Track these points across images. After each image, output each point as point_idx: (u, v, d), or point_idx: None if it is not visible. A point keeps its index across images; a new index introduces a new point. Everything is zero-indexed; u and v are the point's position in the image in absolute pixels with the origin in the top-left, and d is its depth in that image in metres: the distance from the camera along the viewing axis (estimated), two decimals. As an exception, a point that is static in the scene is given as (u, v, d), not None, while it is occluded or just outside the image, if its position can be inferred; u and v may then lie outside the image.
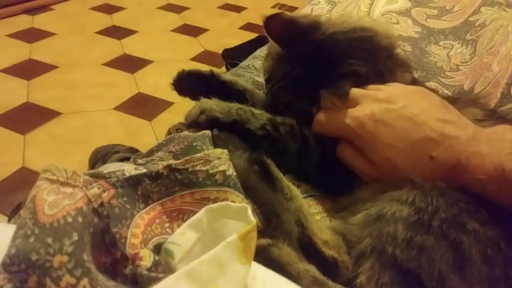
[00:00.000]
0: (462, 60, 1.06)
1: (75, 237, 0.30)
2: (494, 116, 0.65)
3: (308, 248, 0.54)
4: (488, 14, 1.16)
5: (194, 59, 2.20)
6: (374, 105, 0.58)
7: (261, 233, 0.43)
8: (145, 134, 1.62)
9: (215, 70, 0.76)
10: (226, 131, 0.62)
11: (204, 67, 2.17)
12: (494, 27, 1.12)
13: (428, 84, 0.94)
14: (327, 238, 0.56)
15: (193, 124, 0.64)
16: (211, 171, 0.43)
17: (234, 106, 0.65)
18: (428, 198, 0.51)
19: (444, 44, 1.06)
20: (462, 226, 0.48)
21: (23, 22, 2.30)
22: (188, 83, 0.71)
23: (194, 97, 0.69)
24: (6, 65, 1.90)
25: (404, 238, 0.48)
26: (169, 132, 0.73)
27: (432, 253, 0.47)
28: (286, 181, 0.59)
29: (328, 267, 0.52)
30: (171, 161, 0.44)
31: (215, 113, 0.63)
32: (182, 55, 2.23)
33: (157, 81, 1.96)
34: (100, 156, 1.36)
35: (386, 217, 0.50)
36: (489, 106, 0.74)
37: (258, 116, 0.64)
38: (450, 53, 1.06)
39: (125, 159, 1.28)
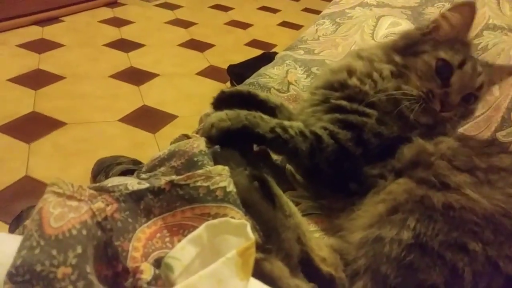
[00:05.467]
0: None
1: (79, 249, 0.31)
2: None
3: (306, 264, 0.54)
4: (490, 38, 1.18)
5: (200, 73, 2.23)
6: None
7: (257, 248, 0.43)
8: (148, 147, 1.64)
9: (251, 89, 0.79)
10: (238, 138, 0.64)
11: (210, 82, 2.21)
12: (496, 51, 1.14)
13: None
14: (325, 255, 0.57)
15: (207, 138, 0.65)
16: (211, 187, 0.44)
17: (243, 112, 0.66)
18: (431, 223, 0.51)
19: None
20: (463, 246, 0.49)
21: (33, 33, 2.34)
22: (227, 104, 0.73)
23: None
24: (14, 74, 1.93)
25: (398, 258, 0.49)
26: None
27: (425, 274, 0.47)
28: (285, 198, 0.60)
29: (325, 283, 0.53)
30: (173, 177, 0.45)
31: (224, 123, 0.64)
32: (188, 70, 2.25)
33: (162, 95, 1.98)
34: (103, 167, 1.37)
35: (384, 240, 0.51)
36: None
37: (267, 120, 0.66)
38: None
39: (128, 171, 1.29)
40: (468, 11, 0.70)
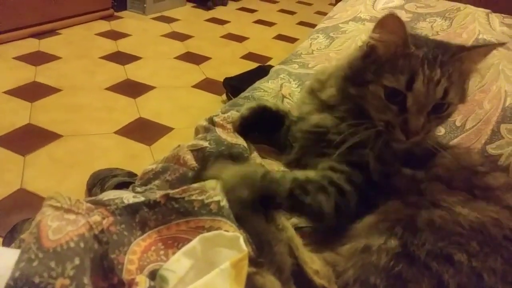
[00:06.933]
0: (455, 96, 1.10)
1: (77, 261, 0.31)
2: None
3: (300, 277, 0.55)
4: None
5: (196, 86, 2.25)
6: None
7: (250, 261, 0.44)
8: (144, 159, 1.64)
9: (262, 103, 0.82)
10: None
11: (206, 95, 2.23)
12: (486, 65, 1.17)
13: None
14: (318, 268, 0.57)
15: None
16: (206, 201, 0.45)
17: (255, 175, 0.60)
18: (418, 231, 0.52)
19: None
20: (448, 257, 0.50)
21: (30, 45, 2.36)
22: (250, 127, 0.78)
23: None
24: (10, 86, 1.93)
25: (387, 268, 0.50)
26: None
27: (414, 284, 0.48)
28: (277, 213, 0.61)
29: (319, 296, 0.54)
30: (169, 190, 0.46)
31: (240, 193, 0.56)
32: (184, 82, 2.27)
33: (158, 107, 2.00)
34: (98, 180, 1.38)
35: (372, 249, 0.52)
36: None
37: (281, 182, 0.61)
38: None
39: (123, 184, 1.29)
40: (393, 23, 0.63)
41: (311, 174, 0.64)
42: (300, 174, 0.64)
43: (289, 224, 0.61)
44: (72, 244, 0.32)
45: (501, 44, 0.75)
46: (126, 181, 1.32)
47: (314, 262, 0.58)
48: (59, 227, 0.33)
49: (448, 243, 0.51)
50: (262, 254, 0.51)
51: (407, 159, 0.66)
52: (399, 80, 0.61)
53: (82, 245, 0.33)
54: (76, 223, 0.34)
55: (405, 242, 0.52)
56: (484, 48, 0.68)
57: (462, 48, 0.66)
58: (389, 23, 0.64)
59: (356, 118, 0.66)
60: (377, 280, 0.50)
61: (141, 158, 1.64)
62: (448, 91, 0.62)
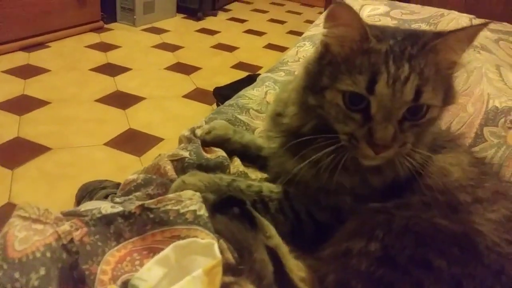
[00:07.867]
0: (440, 100, 1.10)
1: (42, 271, 0.31)
2: None
3: (286, 284, 0.55)
4: (464, 56, 1.22)
5: (186, 96, 2.25)
6: None
7: (229, 270, 0.44)
8: (133, 170, 1.62)
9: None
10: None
11: (196, 104, 2.23)
12: (469, 69, 1.18)
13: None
14: (304, 275, 0.57)
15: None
16: (181, 211, 0.45)
17: (221, 181, 0.61)
18: (399, 235, 0.52)
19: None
20: (428, 263, 0.50)
21: (19, 58, 2.36)
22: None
23: None
24: (-1, 100, 1.93)
25: (368, 272, 0.49)
26: None
27: None
28: (265, 221, 0.61)
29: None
30: (144, 201, 0.46)
31: (207, 196, 0.57)
32: (175, 92, 2.28)
33: (148, 118, 1.99)
34: (87, 192, 1.37)
35: (353, 252, 0.51)
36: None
37: (245, 192, 0.62)
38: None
39: (112, 195, 1.28)
40: (345, 14, 0.53)
41: (276, 190, 0.64)
42: (266, 187, 0.64)
43: (275, 232, 0.61)
44: (38, 254, 0.32)
45: (483, 25, 0.57)
46: (115, 192, 1.31)
47: (300, 269, 0.57)
48: (26, 237, 0.32)
49: (428, 249, 0.51)
50: (242, 261, 0.51)
51: (391, 186, 0.60)
52: (358, 82, 0.52)
53: (48, 255, 0.32)
54: (44, 232, 0.33)
55: (386, 246, 0.51)
56: (463, 32, 0.55)
57: (436, 35, 0.54)
58: (339, 14, 0.54)
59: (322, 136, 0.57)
60: (358, 285, 0.50)
61: (131, 170, 1.62)
62: (421, 90, 0.52)
